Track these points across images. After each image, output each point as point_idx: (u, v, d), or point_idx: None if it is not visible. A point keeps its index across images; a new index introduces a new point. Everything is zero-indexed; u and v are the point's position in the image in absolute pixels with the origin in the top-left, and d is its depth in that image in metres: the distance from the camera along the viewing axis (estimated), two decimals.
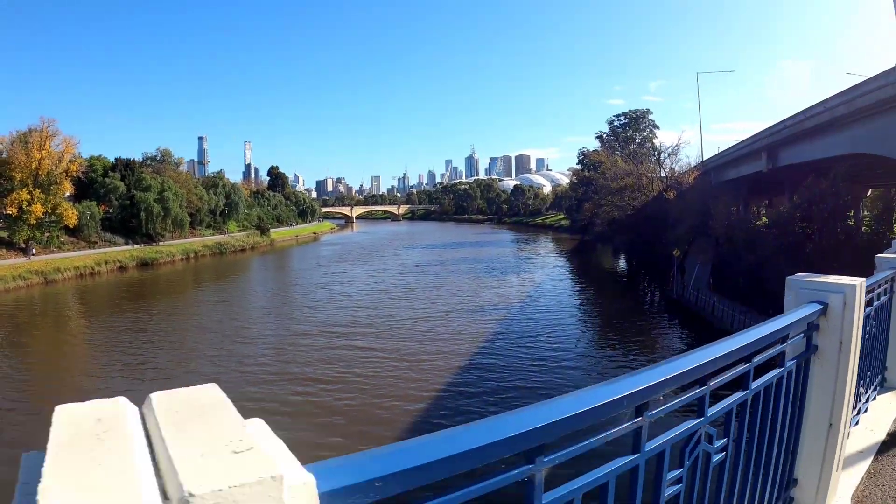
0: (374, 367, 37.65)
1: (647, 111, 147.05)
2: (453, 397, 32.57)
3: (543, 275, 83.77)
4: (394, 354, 40.64)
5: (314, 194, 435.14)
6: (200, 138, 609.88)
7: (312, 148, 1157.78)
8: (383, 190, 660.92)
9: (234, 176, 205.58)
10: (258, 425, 1.52)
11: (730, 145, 73.68)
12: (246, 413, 1.15)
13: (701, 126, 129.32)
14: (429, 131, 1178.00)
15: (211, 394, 1.58)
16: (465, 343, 43.80)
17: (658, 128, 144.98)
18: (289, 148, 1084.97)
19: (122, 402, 1.53)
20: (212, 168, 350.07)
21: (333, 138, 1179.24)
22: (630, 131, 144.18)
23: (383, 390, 33.38)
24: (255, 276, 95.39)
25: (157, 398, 1.53)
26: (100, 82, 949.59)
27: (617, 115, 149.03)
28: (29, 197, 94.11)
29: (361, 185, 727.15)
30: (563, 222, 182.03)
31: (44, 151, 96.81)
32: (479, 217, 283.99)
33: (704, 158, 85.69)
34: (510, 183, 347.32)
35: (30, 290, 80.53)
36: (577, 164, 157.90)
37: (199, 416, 1.43)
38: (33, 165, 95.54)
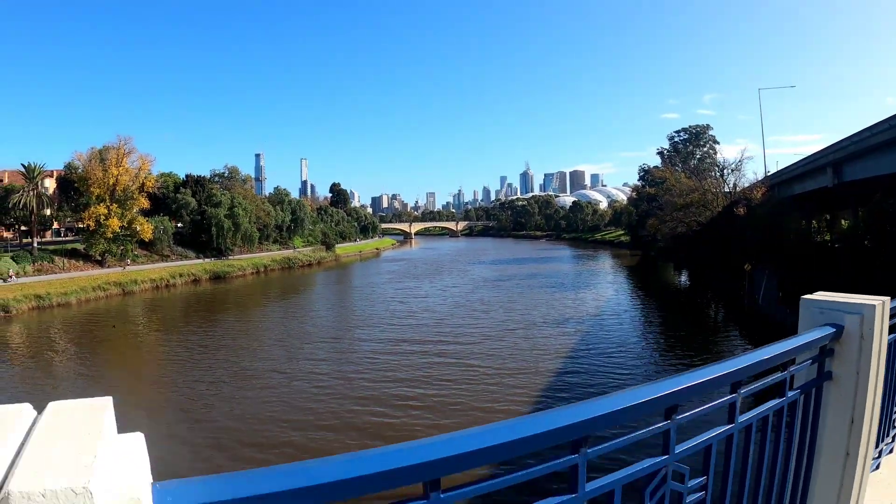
0: (469, 377, 37.72)
1: (707, 126, 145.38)
2: (546, 403, 32.74)
3: (613, 290, 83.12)
4: (483, 366, 40.52)
5: (370, 210, 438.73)
6: (257, 155, 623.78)
7: (367, 164, 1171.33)
8: (438, 206, 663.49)
9: (291, 193, 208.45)
10: (132, 440, 1.53)
11: (788, 159, 72.49)
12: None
13: (764, 141, 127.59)
14: (483, 147, 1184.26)
15: (97, 405, 1.63)
16: (548, 355, 43.42)
17: (718, 143, 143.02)
18: (344, 165, 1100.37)
19: (24, 407, 1.61)
20: (269, 185, 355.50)
21: (388, 155, 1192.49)
22: (691, 146, 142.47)
23: (481, 399, 33.45)
24: (329, 290, 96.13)
25: (53, 406, 1.62)
26: (158, 101, 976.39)
27: (677, 131, 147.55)
28: (106, 211, 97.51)
29: (416, 202, 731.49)
30: (622, 238, 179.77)
31: (121, 168, 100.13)
32: (538, 233, 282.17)
33: (769, 173, 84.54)
34: (566, 199, 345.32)
35: (109, 301, 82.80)
36: (638, 179, 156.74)
37: (72, 425, 1.48)
38: (111, 181, 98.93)
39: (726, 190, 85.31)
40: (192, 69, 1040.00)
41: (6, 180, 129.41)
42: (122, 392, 39.40)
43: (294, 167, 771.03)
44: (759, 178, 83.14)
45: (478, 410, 31.22)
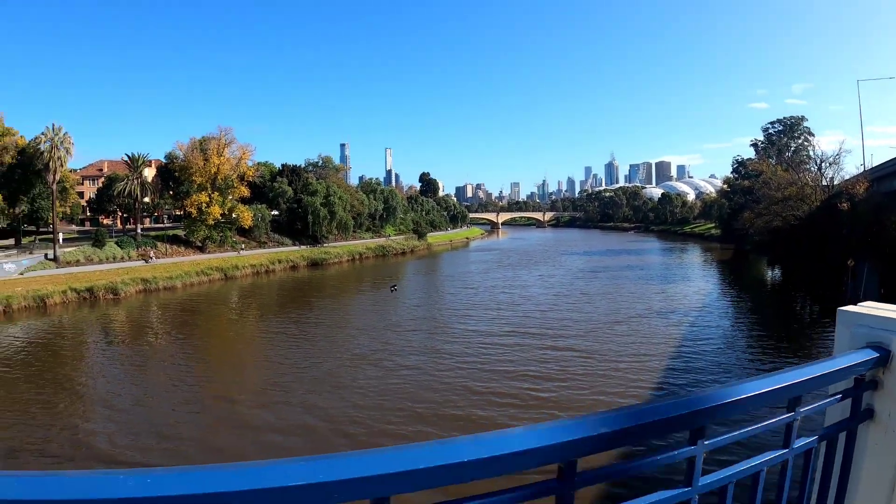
0: (585, 368, 36.97)
1: (802, 118, 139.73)
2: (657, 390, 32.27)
3: (708, 283, 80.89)
4: (595, 354, 39.82)
5: (455, 200, 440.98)
6: (342, 145, 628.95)
7: (451, 154, 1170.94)
8: (523, 196, 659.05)
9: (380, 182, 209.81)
10: None
11: (883, 151, 69.10)
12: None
13: (863, 135, 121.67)
14: (567, 136, 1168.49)
15: None
16: (656, 347, 42.49)
17: (813, 135, 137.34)
18: (428, 154, 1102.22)
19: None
20: (353, 174, 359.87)
21: (472, 144, 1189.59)
22: (785, 138, 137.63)
23: (598, 390, 32.65)
24: (427, 278, 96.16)
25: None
26: (252, 96, 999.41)
27: (771, 122, 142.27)
28: (207, 199, 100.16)
29: (501, 192, 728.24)
30: (712, 231, 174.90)
31: (222, 158, 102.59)
32: (626, 225, 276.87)
33: (868, 167, 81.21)
34: (653, 191, 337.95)
35: (211, 285, 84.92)
36: (731, 172, 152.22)
37: None
38: (212, 170, 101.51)
39: (824, 184, 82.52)
40: (282, 65, 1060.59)
41: (106, 169, 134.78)
42: (223, 370, 40.38)
43: (378, 156, 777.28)
44: (861, 172, 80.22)
45: (598, 401, 30.41)
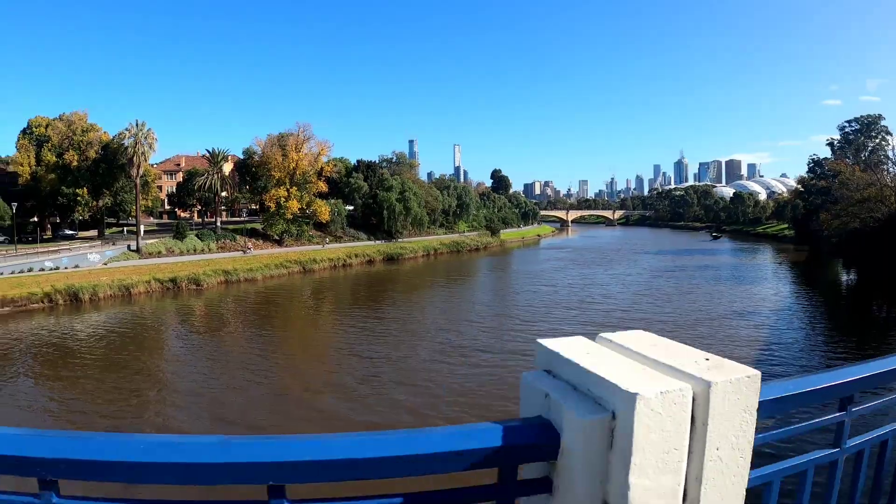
0: None
1: (879, 116, 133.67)
2: None
3: (786, 285, 77.97)
4: None
5: (524, 196, 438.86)
6: (411, 141, 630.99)
7: (519, 151, 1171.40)
8: (590, 194, 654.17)
9: (454, 179, 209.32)
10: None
11: None
12: None
13: None
14: (635, 134, 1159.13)
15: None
16: (739, 347, 41.05)
17: (891, 134, 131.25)
18: (496, 151, 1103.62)
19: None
20: (422, 170, 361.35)
21: (540, 141, 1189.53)
22: (862, 138, 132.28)
23: None
24: (505, 274, 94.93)
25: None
26: (324, 93, 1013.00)
27: (848, 121, 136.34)
28: (286, 194, 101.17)
29: (569, 189, 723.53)
30: (786, 232, 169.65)
31: (300, 153, 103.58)
32: (697, 224, 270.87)
33: None
34: (724, 189, 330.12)
35: (291, 278, 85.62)
36: (807, 172, 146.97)
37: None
38: (291, 166, 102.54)
39: None
40: (352, 61, 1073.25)
41: (183, 164, 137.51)
42: (309, 361, 40.42)
43: (447, 153, 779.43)
44: None
45: None
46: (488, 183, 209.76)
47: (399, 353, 40.63)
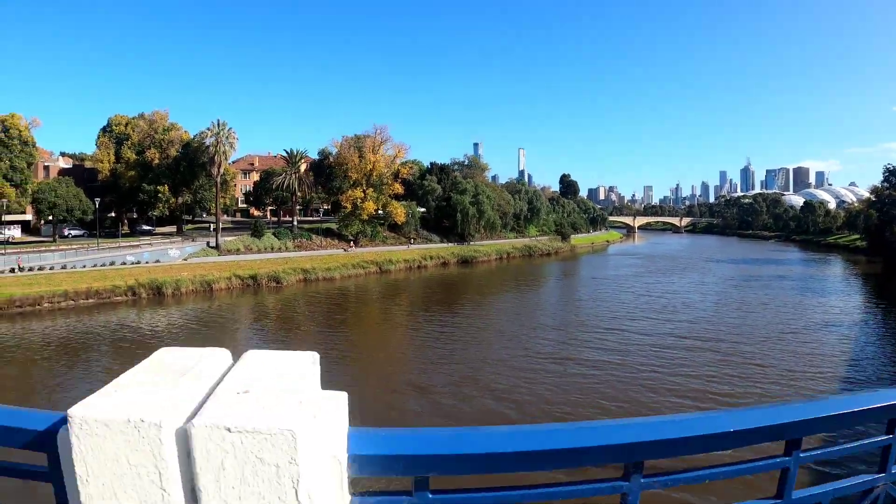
0: (765, 376, 35.06)
1: None
2: None
3: (862, 297, 75.07)
4: (771, 366, 37.42)
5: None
6: (476, 144, 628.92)
7: (583, 155, 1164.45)
8: (655, 200, 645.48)
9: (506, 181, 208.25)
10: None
11: None
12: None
13: None
14: (700, 140, 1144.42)
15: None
16: (824, 357, 40.14)
17: None
18: (558, 155, 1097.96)
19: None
20: (487, 173, 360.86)
21: (604, 146, 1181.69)
22: None
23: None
24: (581, 280, 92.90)
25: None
26: (392, 99, 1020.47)
27: None
28: (362, 195, 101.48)
29: (633, 195, 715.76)
30: (857, 243, 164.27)
31: (377, 155, 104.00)
32: (766, 234, 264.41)
33: None
34: (793, 198, 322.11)
35: (367, 278, 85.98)
36: (882, 181, 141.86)
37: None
38: (367, 167, 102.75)
39: None
40: (420, 65, 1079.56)
41: (256, 164, 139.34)
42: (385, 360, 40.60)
43: (511, 156, 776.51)
44: None
45: None
46: (554, 187, 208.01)
47: (488, 355, 40.12)
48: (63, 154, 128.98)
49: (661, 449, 1.75)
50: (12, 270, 72.24)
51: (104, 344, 45.56)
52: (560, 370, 35.59)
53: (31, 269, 72.48)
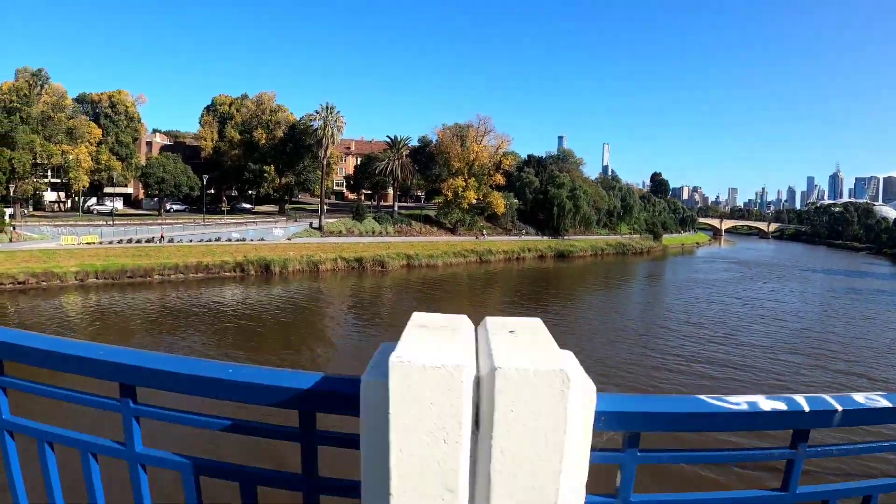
0: None
1: None
2: None
3: None
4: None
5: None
6: (560, 137, 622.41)
7: (667, 154, 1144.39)
8: (740, 203, 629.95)
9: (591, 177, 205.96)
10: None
11: None
12: None
13: None
14: (787, 143, 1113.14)
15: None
16: None
17: None
18: (643, 153, 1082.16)
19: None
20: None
21: (689, 145, 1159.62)
22: None
23: None
24: (680, 281, 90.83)
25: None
26: (466, 83, 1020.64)
27: None
28: (464, 184, 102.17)
29: (718, 196, 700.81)
30: None
31: (479, 146, 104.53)
32: (857, 245, 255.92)
33: None
34: (884, 209, 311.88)
35: (468, 267, 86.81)
36: None
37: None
38: (470, 157, 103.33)
39: None
40: (508, 57, 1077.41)
41: (353, 148, 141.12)
42: None
43: (595, 151, 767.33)
44: None
45: None
46: (637, 184, 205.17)
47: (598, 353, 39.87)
48: (155, 130, 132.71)
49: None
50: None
51: (238, 318, 46.95)
52: (685, 369, 35.63)
53: (139, 241, 75.09)
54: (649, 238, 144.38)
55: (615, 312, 58.25)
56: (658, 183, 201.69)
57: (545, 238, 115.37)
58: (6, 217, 74.06)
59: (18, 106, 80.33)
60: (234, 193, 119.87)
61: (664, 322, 53.00)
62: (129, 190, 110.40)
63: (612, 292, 72.67)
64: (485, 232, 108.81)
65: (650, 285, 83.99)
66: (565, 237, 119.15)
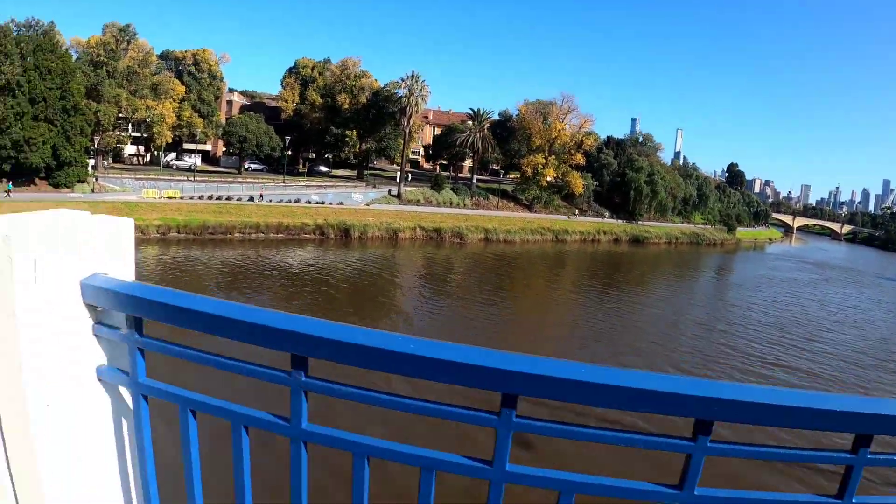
0: None
1: None
2: None
3: None
4: None
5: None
6: (633, 119, 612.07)
7: (741, 144, 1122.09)
8: (811, 200, 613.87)
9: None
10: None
11: None
12: None
13: None
14: (864, 143, 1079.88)
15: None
16: None
17: None
18: (716, 141, 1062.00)
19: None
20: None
21: (762, 137, 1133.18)
22: None
23: None
24: (757, 277, 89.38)
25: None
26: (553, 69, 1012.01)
27: None
28: (544, 161, 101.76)
29: (790, 192, 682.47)
30: None
31: (562, 124, 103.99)
32: None
33: None
34: None
35: (544, 245, 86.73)
36: None
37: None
38: (552, 134, 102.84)
39: None
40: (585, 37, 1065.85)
41: (431, 118, 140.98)
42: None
43: (666, 136, 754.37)
44: None
45: None
46: (708, 172, 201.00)
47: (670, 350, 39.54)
48: (231, 90, 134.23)
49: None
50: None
51: (315, 281, 47.80)
52: (766, 374, 34.85)
53: (219, 198, 76.41)
54: (723, 230, 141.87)
55: (692, 304, 57.94)
56: (734, 174, 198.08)
57: (620, 222, 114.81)
58: (89, 168, 76.25)
59: (105, 60, 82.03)
60: (312, 156, 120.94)
61: (742, 320, 51.61)
62: (208, 147, 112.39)
63: (687, 283, 72.12)
64: (576, 211, 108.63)
65: (725, 279, 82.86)
66: (640, 222, 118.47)
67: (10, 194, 65.05)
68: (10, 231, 1.51)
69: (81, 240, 2.00)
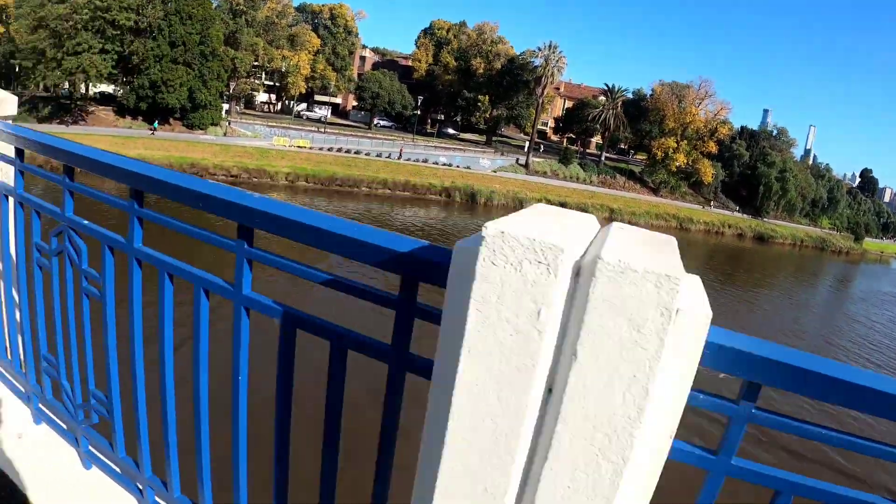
0: None
1: None
2: None
3: None
4: None
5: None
6: (765, 111, 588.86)
7: (877, 148, 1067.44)
8: None
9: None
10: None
11: None
12: None
13: None
14: None
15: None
16: None
17: None
18: (847, 142, 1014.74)
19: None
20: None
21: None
22: None
23: None
24: (885, 294, 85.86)
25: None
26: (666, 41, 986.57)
27: None
28: (675, 145, 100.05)
29: None
30: None
31: (698, 109, 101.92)
32: None
33: None
34: None
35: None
36: None
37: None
38: (687, 119, 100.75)
39: None
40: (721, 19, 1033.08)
41: (562, 90, 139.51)
42: None
43: (800, 131, 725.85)
44: None
45: None
46: (837, 173, 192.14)
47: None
48: (364, 46, 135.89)
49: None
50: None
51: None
52: None
53: (348, 151, 77.88)
54: (850, 238, 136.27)
55: (812, 313, 55.37)
56: (866, 180, 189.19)
57: (745, 216, 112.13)
58: (222, 112, 79.29)
59: (244, 10, 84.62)
60: (441, 118, 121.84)
61: (864, 338, 48.96)
62: (339, 100, 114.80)
63: (809, 290, 69.24)
64: (710, 201, 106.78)
65: (848, 291, 79.08)
66: (765, 219, 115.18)
67: (155, 132, 69.18)
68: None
69: None
